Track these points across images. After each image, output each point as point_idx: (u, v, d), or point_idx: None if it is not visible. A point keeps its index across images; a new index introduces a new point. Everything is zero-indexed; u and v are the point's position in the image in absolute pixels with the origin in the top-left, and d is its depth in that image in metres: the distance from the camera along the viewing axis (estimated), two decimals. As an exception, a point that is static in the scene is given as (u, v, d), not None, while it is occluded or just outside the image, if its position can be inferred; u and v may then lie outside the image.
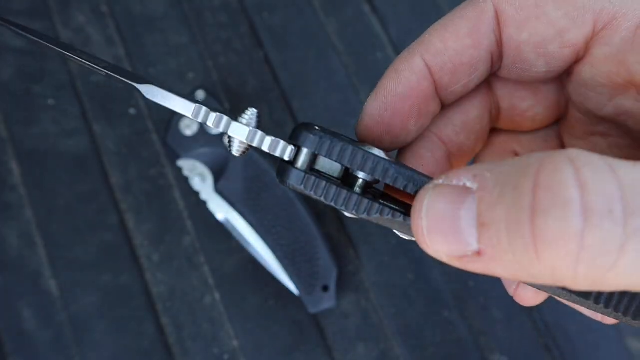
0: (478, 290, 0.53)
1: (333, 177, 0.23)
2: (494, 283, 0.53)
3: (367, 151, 0.22)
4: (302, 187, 0.22)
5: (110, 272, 0.52)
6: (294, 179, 0.22)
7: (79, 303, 0.51)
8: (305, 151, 0.22)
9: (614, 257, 0.16)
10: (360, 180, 0.23)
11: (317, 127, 0.22)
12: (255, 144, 0.22)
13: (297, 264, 0.51)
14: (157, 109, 0.57)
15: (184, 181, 0.54)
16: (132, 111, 0.56)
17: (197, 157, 0.52)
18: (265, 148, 0.22)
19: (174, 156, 0.54)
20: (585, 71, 0.25)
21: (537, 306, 0.53)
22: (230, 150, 0.22)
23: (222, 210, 0.52)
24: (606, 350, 0.51)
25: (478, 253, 0.18)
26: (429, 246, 0.20)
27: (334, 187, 0.22)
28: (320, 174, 0.23)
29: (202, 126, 0.52)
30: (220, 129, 0.22)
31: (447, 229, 0.19)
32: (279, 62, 0.59)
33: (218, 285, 0.52)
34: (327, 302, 0.51)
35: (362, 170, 0.22)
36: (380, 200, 0.23)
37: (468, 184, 0.19)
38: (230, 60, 0.58)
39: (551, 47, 0.24)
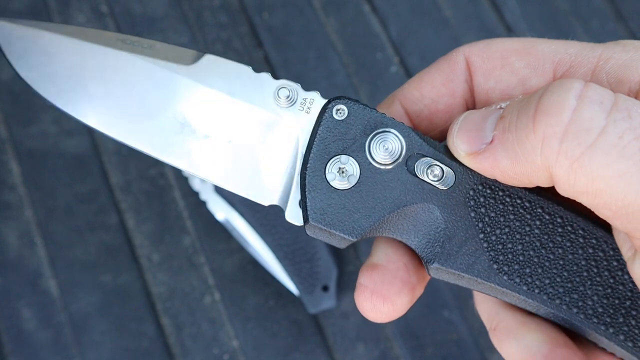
0: (478, 290, 0.53)
1: None
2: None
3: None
4: None
5: (110, 272, 0.52)
6: None
7: (78, 303, 0.51)
8: None
9: (594, 135, 0.19)
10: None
11: None
12: None
13: (297, 264, 0.51)
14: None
15: (184, 181, 0.54)
16: (132, 111, 0.56)
17: (197, 157, 0.52)
18: None
19: (174, 156, 0.54)
20: None
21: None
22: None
23: (222, 210, 0.52)
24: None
25: (490, 143, 0.22)
26: (454, 143, 0.23)
27: None
28: None
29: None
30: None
31: (472, 129, 0.23)
32: (279, 62, 0.59)
33: (218, 285, 0.52)
34: (327, 302, 0.51)
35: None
36: None
37: (502, 105, 0.23)
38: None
39: (515, 93, 0.26)
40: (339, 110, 0.25)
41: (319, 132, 0.24)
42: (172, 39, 0.58)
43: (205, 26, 0.59)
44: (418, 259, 0.27)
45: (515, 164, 0.21)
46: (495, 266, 0.24)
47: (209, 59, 0.26)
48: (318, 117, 0.25)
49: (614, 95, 0.20)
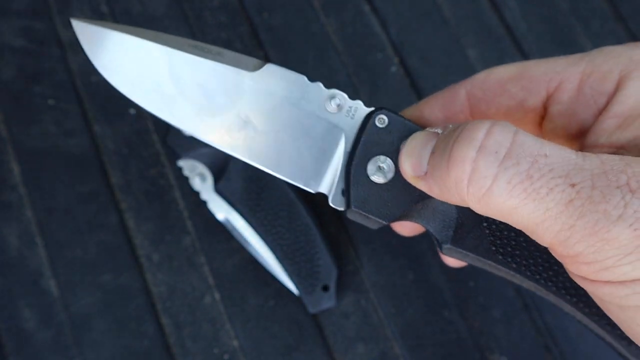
0: (478, 290, 0.53)
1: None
2: (494, 283, 0.53)
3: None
4: None
5: (110, 272, 0.52)
6: None
7: (79, 303, 0.51)
8: None
9: (489, 182, 0.24)
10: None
11: None
12: None
13: (297, 264, 0.51)
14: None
15: (184, 181, 0.54)
16: (132, 111, 0.56)
17: (197, 157, 0.52)
18: None
19: (174, 156, 0.54)
20: (546, 125, 0.32)
21: (537, 306, 0.53)
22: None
23: (222, 210, 0.52)
24: (606, 351, 0.51)
25: (425, 173, 0.27)
26: (402, 166, 0.29)
27: None
28: None
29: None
30: None
31: (414, 156, 0.27)
32: (279, 62, 0.59)
33: (218, 285, 0.52)
34: (327, 302, 0.51)
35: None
36: None
37: (439, 131, 0.27)
38: (230, 60, 0.58)
39: (516, 115, 0.31)
40: (380, 119, 0.30)
41: (363, 135, 0.30)
42: (172, 39, 0.58)
43: (205, 26, 0.59)
44: None
45: (442, 193, 0.26)
46: (493, 248, 0.30)
47: (270, 67, 0.31)
48: (363, 122, 0.31)
49: (511, 139, 0.24)
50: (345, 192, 0.30)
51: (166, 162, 0.55)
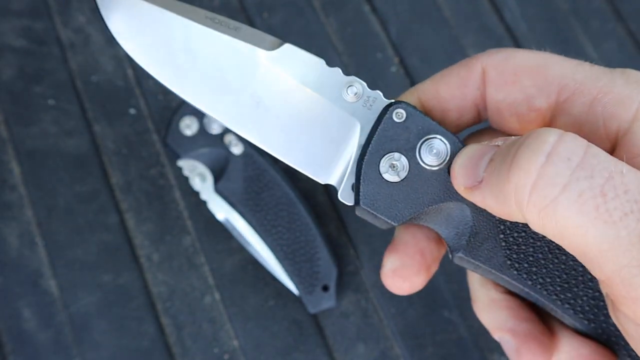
0: (478, 290, 0.53)
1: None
2: (494, 283, 0.53)
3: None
4: None
5: (110, 272, 0.52)
6: None
7: (79, 303, 0.51)
8: None
9: (557, 190, 0.21)
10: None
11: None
12: None
13: (297, 264, 0.51)
14: (158, 108, 0.57)
15: (184, 181, 0.54)
16: (132, 111, 0.56)
17: (197, 157, 0.52)
18: None
19: (174, 156, 0.54)
20: None
21: (537, 306, 0.53)
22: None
23: (222, 210, 0.52)
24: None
25: (480, 181, 0.25)
26: (455, 177, 0.26)
27: None
28: None
29: (202, 126, 0.52)
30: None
31: (470, 166, 0.26)
32: (279, 62, 0.58)
33: (218, 285, 0.52)
34: (327, 302, 0.51)
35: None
36: None
37: (499, 143, 0.25)
38: (230, 60, 0.58)
39: (520, 109, 0.29)
40: (398, 113, 0.28)
41: (378, 129, 0.28)
42: (172, 39, 0.58)
43: (205, 26, 0.59)
44: (433, 243, 0.31)
45: (497, 204, 0.24)
46: (508, 262, 0.28)
47: (288, 47, 0.30)
48: (379, 115, 0.29)
49: (584, 149, 0.22)
50: (355, 188, 0.29)
51: (166, 162, 0.55)
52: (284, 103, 0.29)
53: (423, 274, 0.31)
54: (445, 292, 0.53)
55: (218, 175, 0.52)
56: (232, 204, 0.51)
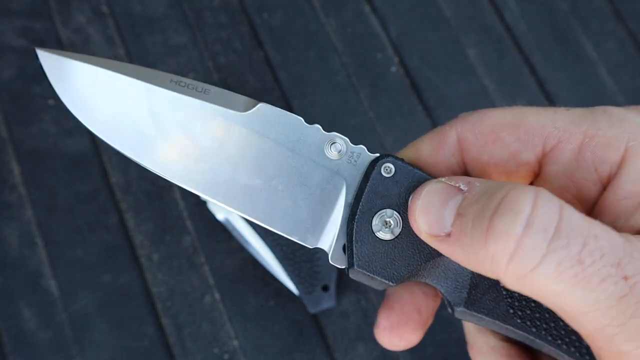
0: (478, 290, 0.53)
1: None
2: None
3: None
4: None
5: (110, 272, 0.52)
6: None
7: (79, 303, 0.51)
8: None
9: (536, 262, 0.21)
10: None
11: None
12: None
13: (297, 264, 0.51)
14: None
15: (184, 181, 0.54)
16: (132, 111, 0.56)
17: (197, 157, 0.52)
18: None
19: (174, 156, 0.54)
20: (540, 184, 0.30)
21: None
22: None
23: (222, 210, 0.52)
24: None
25: (448, 235, 0.24)
26: (416, 222, 0.25)
27: None
28: None
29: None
30: None
31: (434, 212, 0.25)
32: (279, 62, 0.59)
33: (218, 285, 0.52)
34: (327, 302, 0.51)
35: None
36: None
37: (462, 186, 0.25)
38: (230, 60, 0.58)
39: (508, 166, 0.29)
40: (386, 167, 0.27)
41: (367, 186, 0.27)
42: (172, 39, 0.58)
43: (205, 26, 0.59)
44: (430, 299, 0.30)
45: (468, 261, 0.24)
46: (511, 311, 0.27)
47: (263, 107, 0.28)
48: (367, 171, 0.27)
49: (558, 216, 0.22)
50: (347, 249, 0.27)
51: (166, 162, 0.55)
52: (262, 167, 0.27)
53: (419, 331, 0.30)
54: (445, 292, 0.53)
55: (218, 175, 0.52)
56: (232, 204, 0.51)
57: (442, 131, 0.30)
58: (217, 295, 0.52)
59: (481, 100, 0.58)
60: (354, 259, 0.27)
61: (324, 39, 0.60)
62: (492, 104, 0.58)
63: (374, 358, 0.52)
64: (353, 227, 0.27)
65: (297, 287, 0.51)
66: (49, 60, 0.29)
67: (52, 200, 0.53)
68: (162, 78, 0.28)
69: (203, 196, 0.28)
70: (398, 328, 0.30)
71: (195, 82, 0.28)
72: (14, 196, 0.53)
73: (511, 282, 0.23)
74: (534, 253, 0.22)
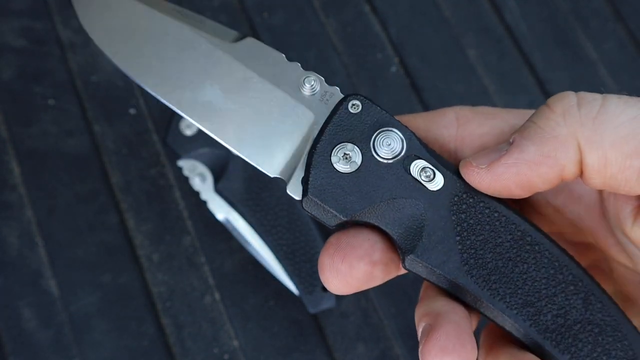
0: (478, 290, 0.53)
1: None
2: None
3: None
4: None
5: (110, 272, 0.52)
6: None
7: (79, 303, 0.51)
8: None
9: (599, 103, 0.25)
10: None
11: None
12: None
13: (297, 264, 0.51)
14: (158, 108, 0.57)
15: (184, 181, 0.54)
16: (132, 111, 0.56)
17: (197, 157, 0.52)
18: None
19: (174, 156, 0.54)
20: None
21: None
22: None
23: (222, 210, 0.52)
24: None
25: (511, 143, 0.26)
26: (471, 163, 0.27)
27: None
28: None
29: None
30: None
31: (487, 151, 0.27)
32: (279, 62, 0.58)
33: (218, 285, 0.52)
34: (327, 302, 0.51)
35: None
36: None
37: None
38: (230, 60, 0.58)
39: (509, 138, 0.29)
40: (354, 104, 0.28)
41: (332, 119, 0.27)
42: (172, 39, 0.58)
43: (205, 26, 0.59)
44: (389, 253, 0.29)
45: (542, 145, 0.25)
46: (465, 267, 0.26)
47: (250, 40, 0.31)
48: (335, 107, 0.28)
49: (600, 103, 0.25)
50: (304, 179, 0.27)
51: (166, 162, 0.55)
52: (239, 94, 0.29)
53: (365, 265, 0.28)
54: (445, 292, 0.53)
55: (218, 175, 0.52)
56: (232, 204, 0.51)
57: (440, 110, 0.31)
58: (217, 295, 0.52)
59: (481, 100, 0.58)
60: (309, 188, 0.27)
61: (324, 39, 0.60)
62: (492, 104, 0.58)
63: (374, 358, 0.52)
64: (312, 157, 0.27)
65: (297, 287, 0.51)
66: None
67: (52, 200, 0.53)
68: (164, 5, 0.30)
69: (180, 111, 0.30)
70: (345, 249, 0.28)
71: (194, 14, 0.30)
72: (14, 196, 0.53)
73: (589, 129, 0.24)
74: (594, 98, 0.25)
